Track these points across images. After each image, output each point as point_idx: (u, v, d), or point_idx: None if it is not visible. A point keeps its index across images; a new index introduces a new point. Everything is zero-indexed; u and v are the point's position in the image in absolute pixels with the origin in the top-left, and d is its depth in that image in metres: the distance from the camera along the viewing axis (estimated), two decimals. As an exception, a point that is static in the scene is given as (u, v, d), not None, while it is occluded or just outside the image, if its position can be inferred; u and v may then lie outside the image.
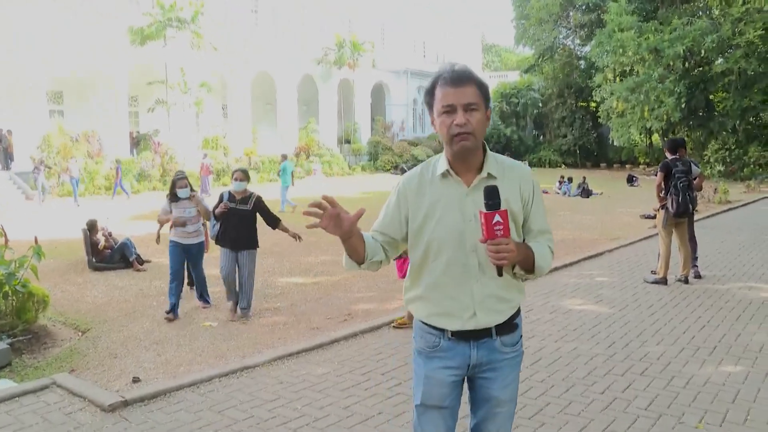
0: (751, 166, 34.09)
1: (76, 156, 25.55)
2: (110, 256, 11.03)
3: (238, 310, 7.50)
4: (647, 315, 7.03)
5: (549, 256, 2.40)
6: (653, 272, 9.10)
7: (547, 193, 25.91)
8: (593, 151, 46.29)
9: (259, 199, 7.51)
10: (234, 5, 33.14)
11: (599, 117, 39.73)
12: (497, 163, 2.38)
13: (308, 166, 35.46)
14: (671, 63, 34.66)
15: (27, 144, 25.51)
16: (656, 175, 8.85)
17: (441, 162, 2.37)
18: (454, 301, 2.35)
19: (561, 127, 46.39)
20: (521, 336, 2.50)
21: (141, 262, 11.01)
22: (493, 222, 2.10)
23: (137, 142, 31.22)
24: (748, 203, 21.80)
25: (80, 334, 7.02)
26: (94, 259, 10.97)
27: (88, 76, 27.84)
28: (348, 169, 37.40)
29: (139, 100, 32.39)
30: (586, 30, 44.53)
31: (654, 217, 15.73)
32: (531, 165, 42.10)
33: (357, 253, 2.35)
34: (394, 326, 6.54)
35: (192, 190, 7.70)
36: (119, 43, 27.60)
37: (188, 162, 27.99)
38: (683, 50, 33.74)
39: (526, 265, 2.31)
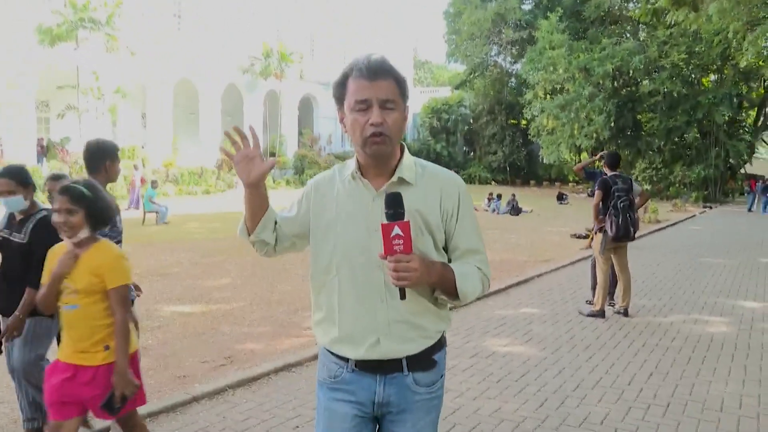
0: (677, 185, 34.44)
1: (-29, 163, 23.47)
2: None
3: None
4: (585, 359, 5.95)
5: (475, 278, 2.05)
6: (588, 302, 8.12)
7: (475, 210, 25.04)
8: (523, 168, 46.18)
9: (40, 224, 3.85)
10: (155, 8, 31.38)
11: (530, 134, 39.63)
12: (416, 168, 2.11)
13: (230, 179, 33.89)
14: (600, 82, 34.76)
15: None
16: (591, 194, 7.86)
17: (351, 165, 2.10)
18: (357, 324, 2.04)
19: (491, 144, 46.12)
20: (442, 376, 2.15)
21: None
22: (392, 235, 1.85)
23: (46, 150, 29.08)
24: (677, 222, 21.50)
25: None
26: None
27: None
28: (272, 183, 35.88)
29: (50, 105, 30.26)
30: (517, 47, 44.53)
31: (585, 237, 15.03)
32: (461, 182, 41.58)
33: (253, 219, 2.11)
34: None
35: None
36: (26, 43, 25.53)
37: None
38: (612, 69, 33.88)
39: (446, 288, 2.00)
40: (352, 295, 2.04)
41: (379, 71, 1.97)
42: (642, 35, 38.24)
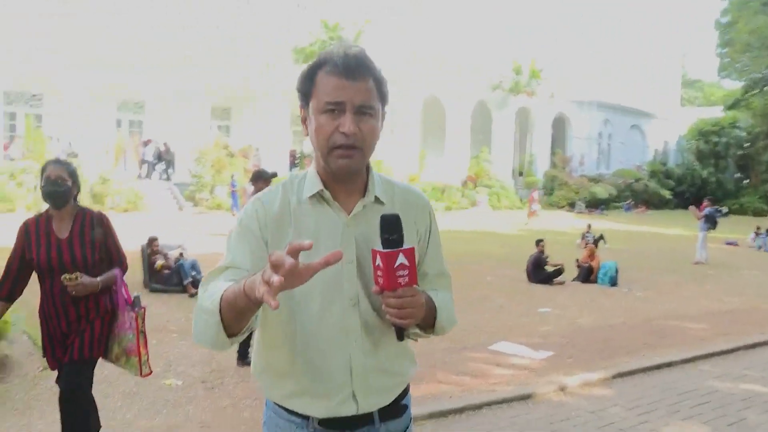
0: None
1: (232, 170, 25.76)
2: (168, 277, 9.89)
3: None
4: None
5: (453, 310, 1.89)
6: None
7: (736, 245, 21.76)
8: (809, 200, 40.12)
9: None
10: (404, 26, 32.04)
11: (818, 161, 34.21)
12: (384, 185, 1.83)
13: (473, 197, 33.41)
14: None
15: (187, 157, 26.13)
16: None
17: (310, 180, 1.75)
18: (323, 376, 1.72)
19: (769, 171, 40.80)
20: (411, 419, 1.92)
21: (196, 285, 9.60)
22: (396, 265, 1.56)
23: (297, 161, 31.10)
24: None
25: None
26: (150, 279, 9.89)
27: (253, 94, 27.98)
28: (519, 202, 34.76)
29: (306, 119, 32.34)
30: (808, 59, 38.87)
31: None
32: (731, 212, 37.31)
33: (241, 322, 1.53)
34: None
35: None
36: (284, 61, 27.42)
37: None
38: None
39: (426, 322, 1.77)
40: (318, 341, 1.72)
41: (357, 69, 1.65)
42: None
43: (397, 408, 1.84)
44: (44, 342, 3.53)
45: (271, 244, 1.71)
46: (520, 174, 38.51)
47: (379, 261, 1.58)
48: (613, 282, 11.92)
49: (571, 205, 35.43)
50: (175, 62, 25.40)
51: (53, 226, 3.46)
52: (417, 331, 1.79)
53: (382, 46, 29.32)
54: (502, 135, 37.58)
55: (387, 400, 1.81)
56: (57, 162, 3.58)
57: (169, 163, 27.59)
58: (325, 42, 26.98)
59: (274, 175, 6.24)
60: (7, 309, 3.63)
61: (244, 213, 1.75)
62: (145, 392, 5.31)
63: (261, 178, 6.07)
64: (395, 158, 32.97)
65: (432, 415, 4.69)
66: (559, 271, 11.93)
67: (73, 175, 3.50)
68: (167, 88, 26.26)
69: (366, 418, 1.78)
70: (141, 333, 3.52)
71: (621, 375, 5.96)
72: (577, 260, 12.78)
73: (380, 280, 1.58)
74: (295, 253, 1.32)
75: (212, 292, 1.55)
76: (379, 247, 1.58)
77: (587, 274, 12.26)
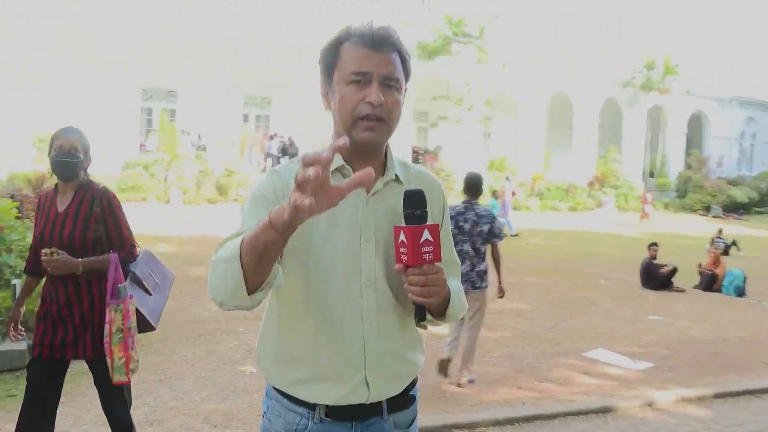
0: None
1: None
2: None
3: None
4: None
5: (464, 297, 1.85)
6: None
7: None
8: None
9: None
10: (531, 21, 31.28)
11: None
12: (401, 166, 1.78)
13: (599, 198, 32.16)
14: None
15: (310, 150, 26.67)
16: None
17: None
18: (337, 359, 1.66)
19: None
20: (417, 412, 1.86)
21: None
22: (421, 241, 1.52)
23: (418, 157, 31.13)
24: None
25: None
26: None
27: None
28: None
29: (429, 115, 32.16)
30: None
31: None
32: None
33: (263, 272, 1.42)
34: None
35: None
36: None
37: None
38: None
39: (439, 308, 1.72)
40: (333, 324, 1.65)
41: (384, 41, 1.64)
42: None
43: (405, 399, 1.79)
44: (36, 319, 3.16)
45: None
46: (651, 175, 36.71)
47: (403, 237, 1.53)
48: (740, 292, 11.01)
49: (707, 209, 33.37)
50: (298, 58, 25.97)
51: (57, 199, 3.14)
52: (429, 317, 1.73)
53: (508, 41, 28.80)
54: (632, 134, 36.00)
55: (398, 388, 1.75)
56: (71, 130, 3.16)
57: (293, 157, 28.38)
58: (449, 38, 26.77)
59: None
60: (36, 283, 3.36)
61: (259, 184, 1.68)
62: (220, 378, 5.38)
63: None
64: (519, 156, 32.32)
65: (498, 422, 4.41)
66: (673, 271, 11.10)
67: (86, 146, 3.16)
68: (291, 84, 26.91)
69: (375, 409, 1.72)
70: (117, 330, 2.97)
71: (724, 395, 5.34)
72: (700, 266, 11.89)
73: (404, 257, 1.54)
74: (335, 149, 1.26)
75: (229, 244, 1.47)
76: (401, 225, 1.55)
77: (710, 282, 11.38)
